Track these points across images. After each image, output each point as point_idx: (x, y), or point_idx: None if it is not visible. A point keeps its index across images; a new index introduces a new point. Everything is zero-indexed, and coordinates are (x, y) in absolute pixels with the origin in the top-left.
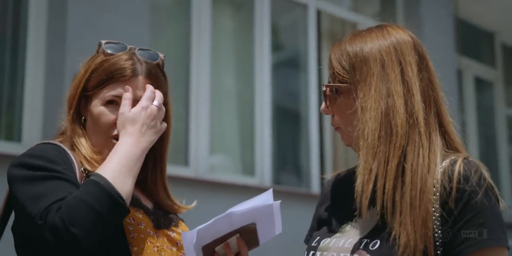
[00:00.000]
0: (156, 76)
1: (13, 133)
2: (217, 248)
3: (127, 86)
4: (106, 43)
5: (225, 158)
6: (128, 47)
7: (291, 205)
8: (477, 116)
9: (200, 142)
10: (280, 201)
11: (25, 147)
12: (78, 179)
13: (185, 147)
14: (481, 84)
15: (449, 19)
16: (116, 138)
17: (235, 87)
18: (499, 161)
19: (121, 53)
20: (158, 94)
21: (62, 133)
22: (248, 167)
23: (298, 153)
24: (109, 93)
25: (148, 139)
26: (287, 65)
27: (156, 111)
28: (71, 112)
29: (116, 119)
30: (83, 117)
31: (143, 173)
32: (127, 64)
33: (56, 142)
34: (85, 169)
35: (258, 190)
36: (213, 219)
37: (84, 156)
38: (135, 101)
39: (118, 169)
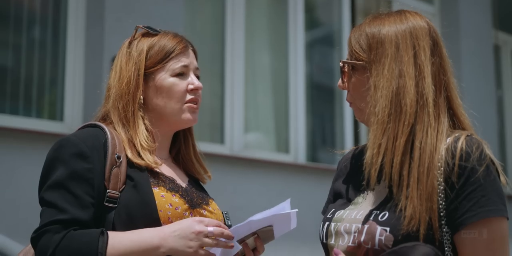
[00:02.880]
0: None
1: (55, 112)
2: None
3: (218, 226)
4: (145, 26)
5: (260, 136)
6: (158, 29)
7: (326, 182)
8: None
9: (235, 119)
10: (296, 210)
11: (66, 125)
12: (106, 167)
13: (220, 125)
14: None
15: None
16: (189, 102)
17: (269, 65)
18: None
19: (162, 32)
20: (223, 237)
21: (103, 119)
22: (283, 145)
23: (333, 130)
24: (177, 65)
25: (172, 246)
26: (321, 42)
27: (202, 243)
28: (138, 92)
29: (186, 87)
30: (140, 98)
31: (177, 146)
32: (178, 38)
33: (102, 124)
34: (118, 157)
35: (292, 167)
36: (233, 227)
37: (132, 142)
38: (192, 69)
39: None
